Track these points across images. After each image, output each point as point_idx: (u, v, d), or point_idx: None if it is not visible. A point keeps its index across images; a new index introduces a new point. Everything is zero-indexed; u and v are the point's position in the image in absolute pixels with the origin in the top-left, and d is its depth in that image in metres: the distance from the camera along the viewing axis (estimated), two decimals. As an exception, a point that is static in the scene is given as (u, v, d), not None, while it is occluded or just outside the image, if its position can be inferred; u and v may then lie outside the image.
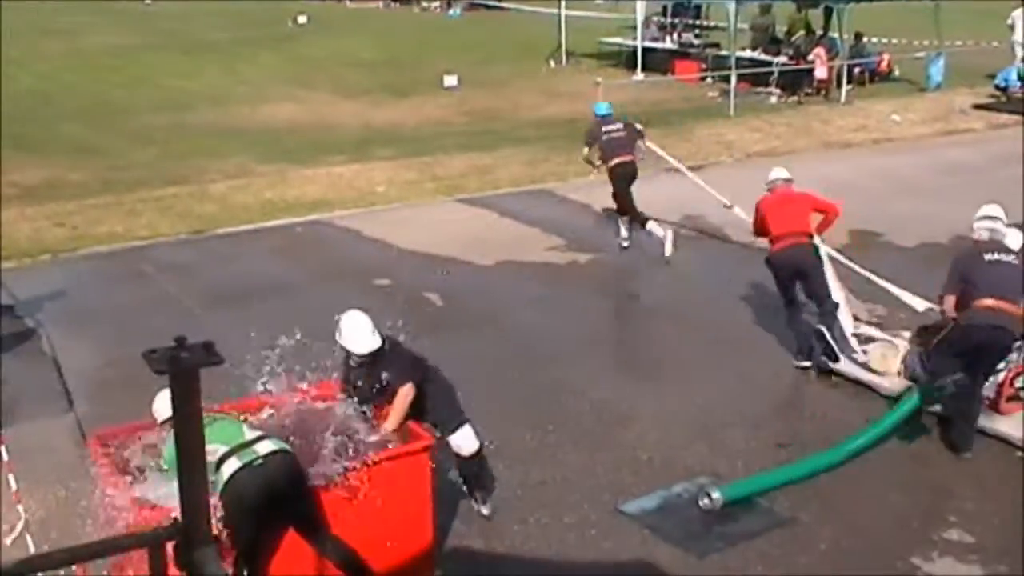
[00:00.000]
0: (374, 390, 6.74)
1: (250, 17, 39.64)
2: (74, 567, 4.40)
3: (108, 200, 16.05)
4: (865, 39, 25.56)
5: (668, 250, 12.72)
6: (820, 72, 23.51)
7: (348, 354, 6.82)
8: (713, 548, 7.08)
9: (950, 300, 8.09)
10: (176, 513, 3.00)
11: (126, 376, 9.01)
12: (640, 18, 27.54)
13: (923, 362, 8.51)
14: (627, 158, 12.99)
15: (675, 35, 29.10)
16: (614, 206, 13.34)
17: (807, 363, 9.71)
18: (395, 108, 23.43)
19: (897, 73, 25.76)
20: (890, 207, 14.60)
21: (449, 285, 12.16)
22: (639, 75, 26.29)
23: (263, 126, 21.98)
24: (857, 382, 9.33)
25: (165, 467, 5.76)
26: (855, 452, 8.04)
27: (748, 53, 25.17)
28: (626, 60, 27.97)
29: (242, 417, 6.13)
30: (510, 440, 8.17)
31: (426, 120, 22.21)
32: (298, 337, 6.36)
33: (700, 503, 7.46)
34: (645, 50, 27.08)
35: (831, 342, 9.47)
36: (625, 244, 13.32)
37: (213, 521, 3.47)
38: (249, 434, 5.88)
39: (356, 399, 6.67)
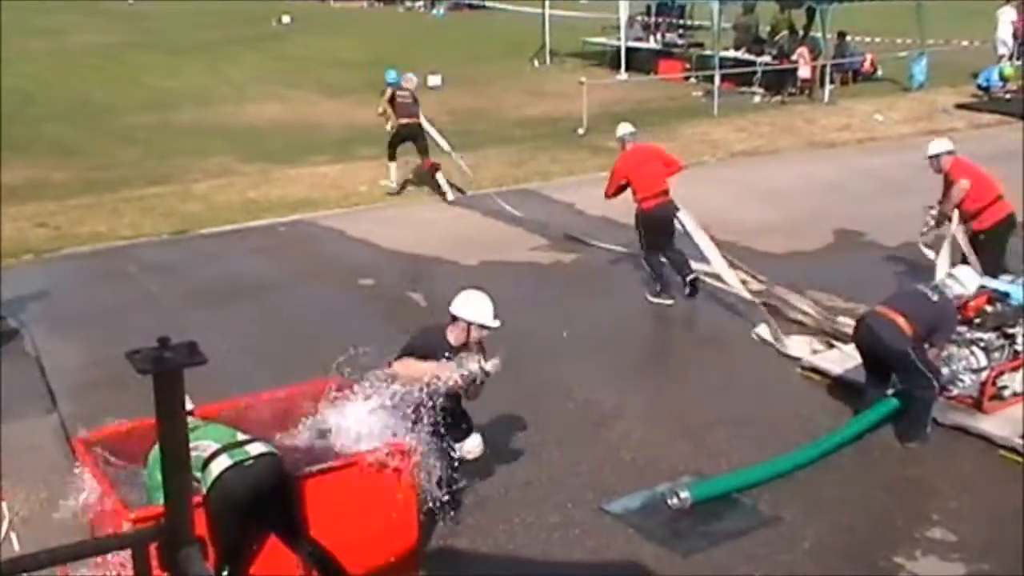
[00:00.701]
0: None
1: (234, 17, 39.56)
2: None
3: (91, 200, 16.02)
4: (848, 38, 25.65)
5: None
6: (804, 72, 23.57)
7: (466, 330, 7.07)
8: (697, 547, 7.08)
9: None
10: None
11: (110, 376, 9.00)
12: (624, 18, 27.56)
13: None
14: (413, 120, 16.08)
15: (659, 34, 29.21)
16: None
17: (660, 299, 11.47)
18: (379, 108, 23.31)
19: (880, 73, 25.85)
20: (874, 206, 14.64)
21: (433, 285, 12.15)
22: (623, 74, 26.36)
23: (247, 126, 21.93)
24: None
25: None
26: (823, 453, 8.04)
27: (732, 52, 25.24)
28: (610, 59, 28.02)
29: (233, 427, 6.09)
30: (494, 440, 8.15)
31: (410, 120, 22.10)
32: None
33: (668, 502, 7.35)
34: (629, 49, 27.13)
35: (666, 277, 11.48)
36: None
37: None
38: (241, 436, 5.88)
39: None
